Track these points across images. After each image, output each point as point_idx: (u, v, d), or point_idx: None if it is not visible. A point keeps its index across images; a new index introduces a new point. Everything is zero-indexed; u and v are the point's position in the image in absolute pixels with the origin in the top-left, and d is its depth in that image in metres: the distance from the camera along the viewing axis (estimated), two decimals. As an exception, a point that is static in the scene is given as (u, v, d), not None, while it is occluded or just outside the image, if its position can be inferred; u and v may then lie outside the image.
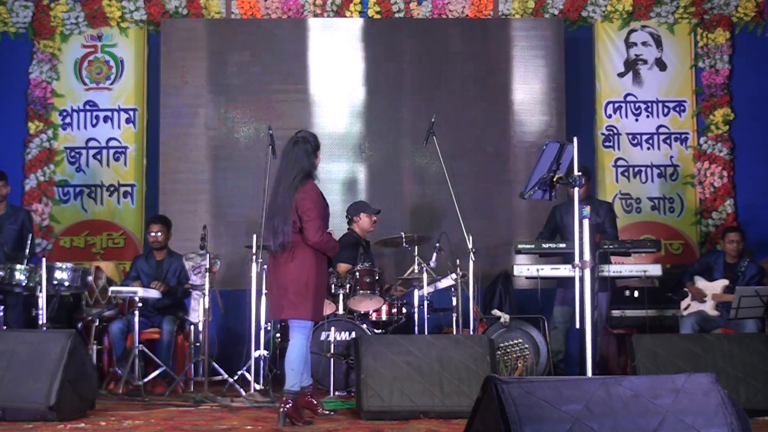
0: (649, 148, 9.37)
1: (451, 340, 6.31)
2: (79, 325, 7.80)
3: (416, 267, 7.46)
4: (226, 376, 7.20)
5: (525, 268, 7.34)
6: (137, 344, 7.14)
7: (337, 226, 8.48)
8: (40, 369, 5.49)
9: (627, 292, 8.23)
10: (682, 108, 9.40)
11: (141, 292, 7.31)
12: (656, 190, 9.33)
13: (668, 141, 9.37)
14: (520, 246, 7.33)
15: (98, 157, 9.37)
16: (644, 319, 7.94)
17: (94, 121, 9.40)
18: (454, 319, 7.21)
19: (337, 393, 6.90)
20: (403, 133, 9.26)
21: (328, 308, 7.22)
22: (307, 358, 5.61)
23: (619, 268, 7.37)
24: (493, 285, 8.36)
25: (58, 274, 7.26)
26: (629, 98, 9.43)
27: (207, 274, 7.02)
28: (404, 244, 7.56)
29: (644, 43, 9.48)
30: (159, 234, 7.90)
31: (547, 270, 7.31)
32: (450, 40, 9.36)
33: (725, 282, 7.72)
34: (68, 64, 9.44)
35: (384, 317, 7.57)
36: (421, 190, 9.20)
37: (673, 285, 8.23)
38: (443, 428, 5.32)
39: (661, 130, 9.38)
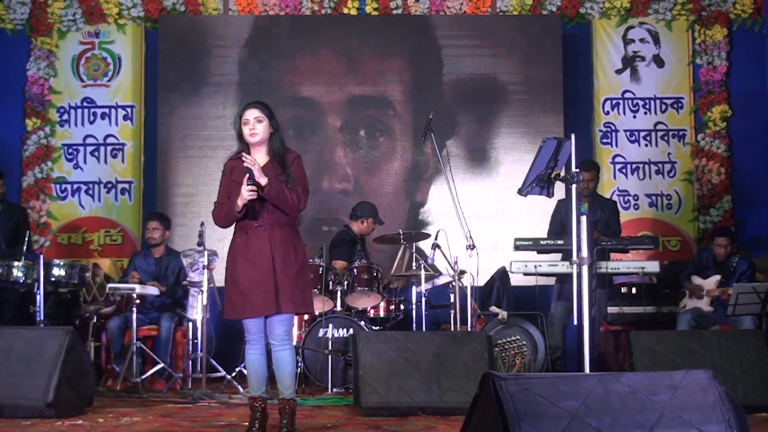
0: (646, 145, 9.37)
1: (449, 336, 6.32)
2: (77, 321, 7.80)
3: (414, 264, 7.46)
4: (224, 372, 7.20)
5: (523, 265, 7.33)
6: (135, 341, 7.15)
7: (337, 224, 8.52)
8: (38, 366, 5.49)
9: (624, 289, 8.23)
10: (679, 105, 9.40)
11: (139, 288, 7.32)
12: (654, 186, 9.33)
13: (666, 138, 9.37)
14: (518, 242, 7.32)
15: (96, 153, 9.36)
16: (642, 315, 7.94)
17: (92, 118, 9.39)
18: (452, 315, 7.21)
19: (335, 389, 6.90)
20: (400, 130, 9.25)
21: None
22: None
23: (616, 265, 7.37)
24: (491, 281, 8.34)
25: (55, 271, 7.27)
26: (627, 95, 9.43)
27: (205, 270, 7.02)
28: (402, 241, 7.56)
29: (642, 40, 9.48)
30: (156, 231, 7.89)
31: (545, 266, 7.30)
32: (448, 37, 9.35)
33: (717, 277, 7.76)
34: (66, 60, 9.42)
35: (382, 314, 7.60)
36: (418, 186, 9.19)
37: (671, 282, 8.24)
38: (441, 424, 5.32)
39: (659, 126, 9.39)
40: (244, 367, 6.94)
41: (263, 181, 4.68)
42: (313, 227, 8.86)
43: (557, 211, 7.71)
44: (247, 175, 4.67)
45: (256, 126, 4.84)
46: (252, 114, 4.86)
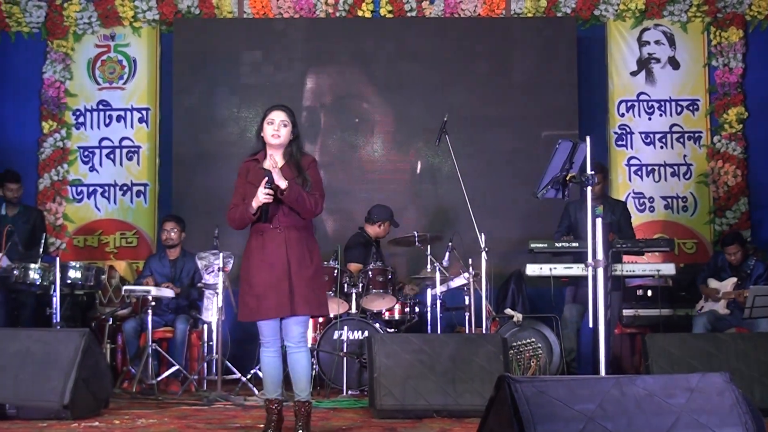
0: (662, 147, 9.34)
1: (464, 338, 6.31)
2: (93, 324, 7.84)
3: (429, 266, 7.46)
4: (239, 375, 7.22)
5: (538, 267, 7.32)
6: (151, 343, 7.17)
7: (352, 226, 8.51)
8: (54, 368, 5.52)
9: (640, 292, 8.20)
10: (695, 107, 9.36)
11: (154, 291, 7.34)
12: (669, 189, 9.29)
13: (681, 140, 9.33)
14: (532, 245, 7.30)
15: (111, 156, 9.40)
16: (658, 318, 7.92)
17: (107, 121, 9.42)
18: (467, 318, 7.21)
19: (350, 392, 6.91)
20: (415, 133, 9.25)
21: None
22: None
23: (632, 267, 7.35)
24: (506, 284, 8.34)
25: (71, 273, 7.31)
26: (642, 97, 9.40)
27: (220, 273, 7.03)
28: (417, 243, 7.56)
29: (657, 42, 9.45)
30: (173, 232, 7.91)
31: (560, 269, 7.28)
32: (462, 40, 9.34)
33: (734, 280, 7.73)
34: (81, 63, 9.46)
35: (397, 316, 7.60)
36: (433, 189, 9.18)
37: (687, 285, 8.21)
38: (456, 427, 5.32)
39: (675, 128, 9.35)
40: (260, 370, 6.97)
41: (283, 184, 4.66)
42: (327, 232, 8.82)
43: (566, 213, 7.70)
44: (266, 178, 4.66)
45: (280, 128, 4.83)
46: (278, 116, 4.85)
